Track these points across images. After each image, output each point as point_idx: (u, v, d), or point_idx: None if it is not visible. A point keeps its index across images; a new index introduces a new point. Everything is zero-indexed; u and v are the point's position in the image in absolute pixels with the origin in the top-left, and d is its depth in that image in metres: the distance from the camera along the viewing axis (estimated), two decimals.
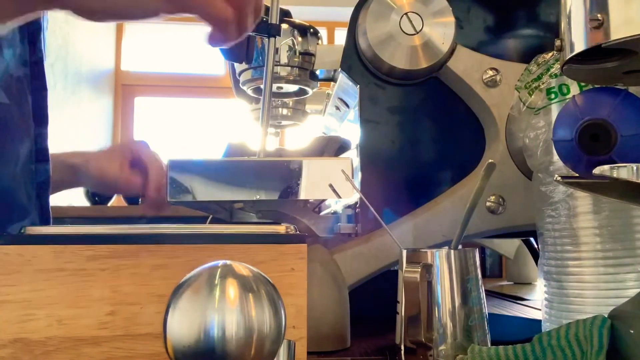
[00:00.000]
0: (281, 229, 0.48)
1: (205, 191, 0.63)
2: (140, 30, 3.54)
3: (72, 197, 2.61)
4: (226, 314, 0.29)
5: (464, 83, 0.75)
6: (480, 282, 0.54)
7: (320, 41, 0.92)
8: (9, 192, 0.69)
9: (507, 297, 0.98)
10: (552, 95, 0.58)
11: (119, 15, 0.53)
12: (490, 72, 0.74)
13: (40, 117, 0.74)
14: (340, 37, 3.31)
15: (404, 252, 0.55)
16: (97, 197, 2.45)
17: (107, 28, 3.36)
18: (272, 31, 0.73)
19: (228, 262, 0.32)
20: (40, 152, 0.74)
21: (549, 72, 0.59)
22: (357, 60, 0.78)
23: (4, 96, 0.68)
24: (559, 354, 0.42)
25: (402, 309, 0.54)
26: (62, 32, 2.79)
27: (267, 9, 0.74)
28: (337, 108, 0.99)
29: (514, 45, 0.79)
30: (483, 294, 0.55)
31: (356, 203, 0.77)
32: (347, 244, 0.72)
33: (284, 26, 0.87)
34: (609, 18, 0.41)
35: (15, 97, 0.70)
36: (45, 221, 0.75)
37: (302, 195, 0.63)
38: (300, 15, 0.94)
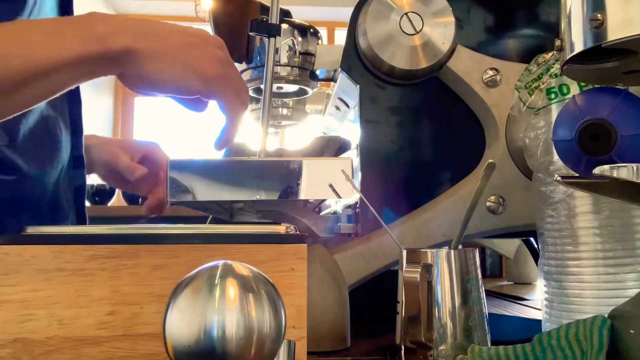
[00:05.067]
0: (281, 229, 0.48)
1: (205, 191, 0.63)
2: None
3: None
4: (226, 314, 0.29)
5: (464, 83, 0.75)
6: (480, 282, 0.54)
7: (320, 41, 0.92)
8: (54, 197, 0.73)
9: (507, 297, 0.98)
10: (552, 95, 0.58)
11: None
12: (490, 72, 0.74)
13: (75, 128, 0.78)
14: (340, 37, 3.31)
15: (404, 252, 0.55)
16: (97, 197, 2.45)
17: None
18: (272, 31, 0.73)
19: (228, 262, 0.32)
20: (76, 159, 0.78)
21: (549, 72, 0.59)
22: (357, 60, 0.78)
23: (51, 109, 0.72)
24: (559, 354, 0.42)
25: (402, 309, 0.54)
26: None
27: (267, 9, 0.74)
28: (337, 108, 0.99)
29: (514, 45, 0.79)
30: (483, 294, 0.55)
31: (356, 203, 0.77)
32: (347, 244, 0.72)
33: (284, 26, 0.87)
34: (608, 18, 0.41)
35: (59, 109, 0.74)
36: (82, 223, 0.79)
37: (302, 195, 0.63)
38: (300, 15, 0.94)
